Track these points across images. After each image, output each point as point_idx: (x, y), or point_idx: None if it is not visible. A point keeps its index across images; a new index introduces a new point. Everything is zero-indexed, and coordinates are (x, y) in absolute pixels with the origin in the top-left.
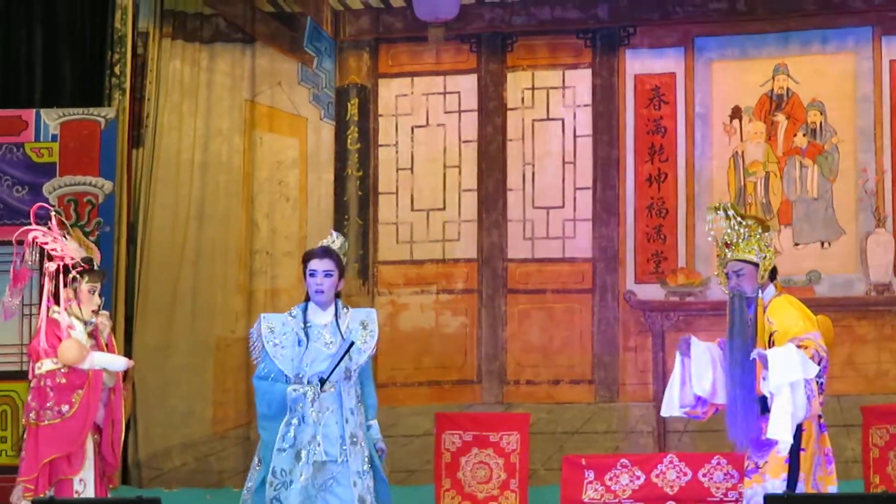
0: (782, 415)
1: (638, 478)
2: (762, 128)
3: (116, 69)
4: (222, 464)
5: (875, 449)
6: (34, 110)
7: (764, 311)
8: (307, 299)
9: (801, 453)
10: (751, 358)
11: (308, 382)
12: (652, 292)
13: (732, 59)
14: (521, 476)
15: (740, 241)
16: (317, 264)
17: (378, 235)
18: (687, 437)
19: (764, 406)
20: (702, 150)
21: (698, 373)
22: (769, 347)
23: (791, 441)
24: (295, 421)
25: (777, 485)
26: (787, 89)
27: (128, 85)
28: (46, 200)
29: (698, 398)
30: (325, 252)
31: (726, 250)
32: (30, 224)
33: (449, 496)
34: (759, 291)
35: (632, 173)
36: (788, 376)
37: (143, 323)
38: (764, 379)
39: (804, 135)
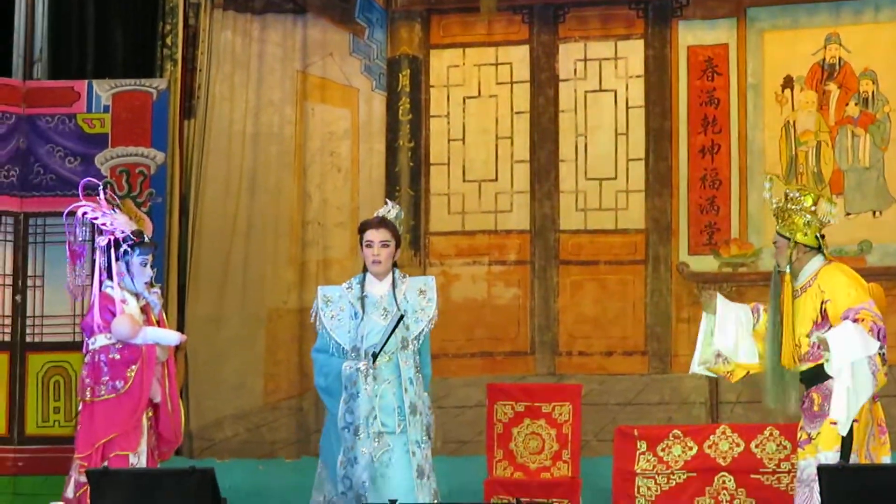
0: (844, 396)
1: (690, 448)
2: (814, 97)
3: (168, 40)
4: (274, 434)
5: None
6: (86, 81)
7: (796, 285)
8: (364, 270)
9: (854, 424)
10: (812, 341)
11: (364, 356)
12: (705, 263)
13: (784, 28)
14: (574, 447)
15: (784, 214)
16: (373, 235)
17: (430, 206)
18: (739, 408)
19: (811, 377)
20: (754, 120)
21: (721, 328)
22: (822, 317)
23: (849, 424)
24: (351, 398)
25: (830, 456)
26: (839, 58)
27: (179, 56)
28: (98, 171)
29: (718, 354)
30: (382, 222)
31: (778, 222)
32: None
33: (501, 466)
34: (788, 267)
35: (685, 145)
36: (850, 356)
37: (196, 294)
38: (827, 362)
39: (856, 104)
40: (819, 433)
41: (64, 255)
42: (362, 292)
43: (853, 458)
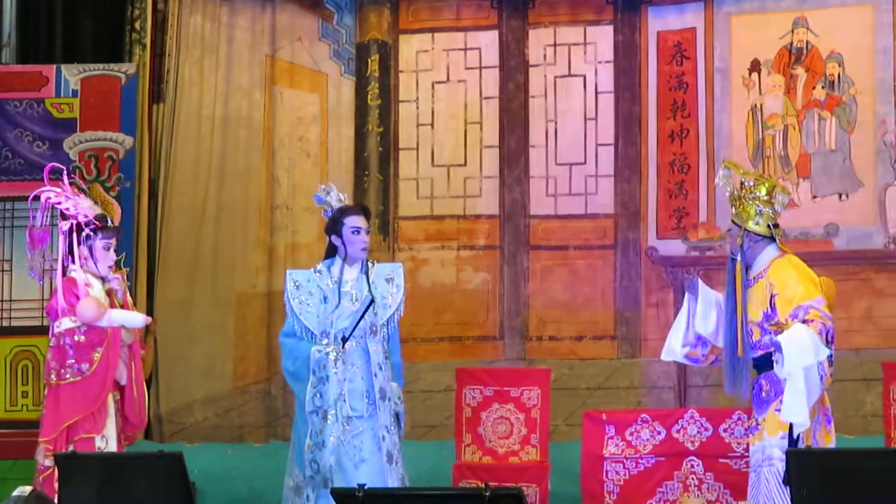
0: (797, 398)
1: (659, 433)
2: (781, 81)
3: (137, 25)
4: (243, 419)
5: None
6: (54, 66)
7: (748, 274)
8: (330, 255)
9: None
10: (763, 343)
11: (333, 340)
12: (674, 248)
13: (751, 12)
14: (542, 431)
15: (738, 202)
16: (360, 222)
17: (399, 191)
18: (707, 392)
19: (760, 364)
20: (721, 104)
21: (704, 311)
22: (771, 310)
23: (808, 424)
24: (320, 382)
25: (774, 442)
26: (807, 42)
27: (148, 41)
28: (67, 156)
29: (699, 338)
30: (363, 209)
31: (732, 210)
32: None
33: (470, 451)
34: (740, 255)
35: (654, 129)
36: (801, 362)
37: (165, 278)
38: (777, 363)
39: (823, 87)
40: (764, 419)
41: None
42: (340, 276)
43: (799, 446)
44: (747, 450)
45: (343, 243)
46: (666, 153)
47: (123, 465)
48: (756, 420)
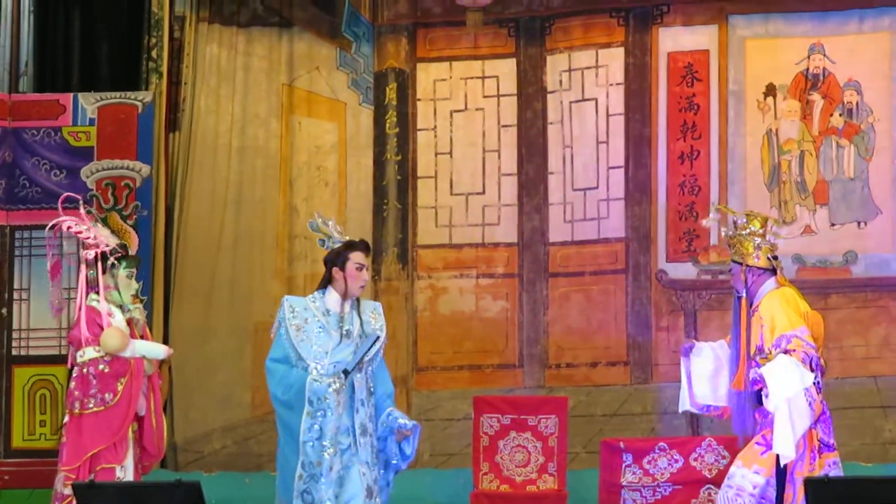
0: (784, 429)
1: (676, 461)
2: (797, 106)
3: (153, 53)
4: (261, 447)
5: None
6: (72, 94)
7: (750, 308)
8: (324, 286)
9: None
10: (751, 378)
11: (331, 373)
12: (684, 271)
13: (766, 36)
14: (560, 459)
15: (734, 241)
16: (364, 259)
17: (417, 219)
18: (720, 419)
19: (758, 398)
20: (735, 127)
21: (698, 382)
22: (761, 342)
23: (793, 455)
24: (319, 413)
25: (747, 475)
26: (823, 69)
27: (165, 69)
28: (84, 184)
29: (706, 407)
30: (368, 246)
31: (730, 250)
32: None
33: (487, 479)
34: (745, 291)
35: (664, 151)
36: (786, 392)
37: (181, 307)
38: (765, 396)
39: (840, 115)
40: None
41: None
42: (341, 310)
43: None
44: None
45: (344, 278)
46: (676, 174)
47: (142, 493)
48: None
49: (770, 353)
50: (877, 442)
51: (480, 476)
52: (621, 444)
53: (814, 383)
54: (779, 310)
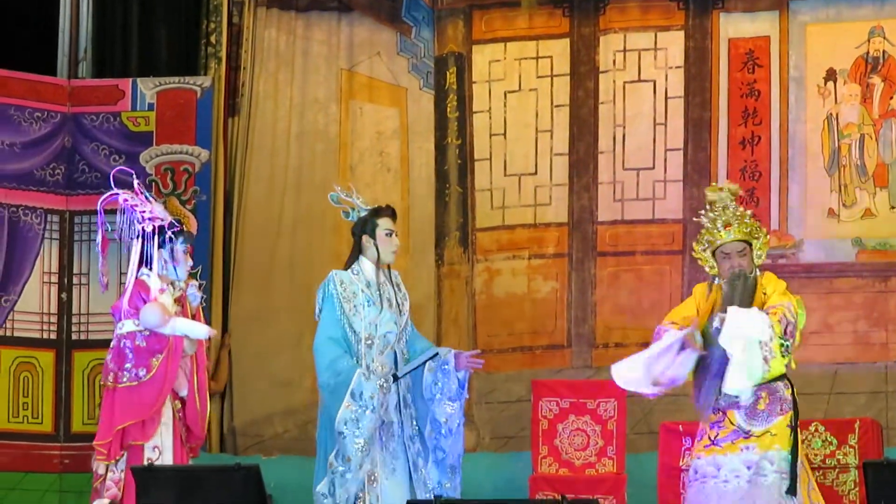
0: (736, 367)
1: None
2: (857, 90)
3: (212, 38)
4: None
5: None
6: (130, 80)
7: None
8: (356, 257)
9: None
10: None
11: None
12: None
13: (827, 21)
14: (619, 443)
15: (738, 222)
16: (392, 224)
17: (475, 203)
18: None
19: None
20: (796, 113)
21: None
22: None
23: (748, 391)
24: (360, 409)
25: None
26: (884, 52)
27: (223, 54)
28: (143, 169)
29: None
30: (395, 212)
31: (723, 231)
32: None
33: (546, 463)
34: (757, 271)
35: (724, 136)
36: (743, 333)
37: (240, 291)
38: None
39: None
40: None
41: (112, 253)
42: (377, 279)
43: None
44: (824, 461)
45: (375, 245)
46: (737, 160)
47: (200, 477)
48: (748, 431)
49: None
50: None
51: (539, 459)
52: (680, 427)
53: (782, 343)
54: (780, 287)
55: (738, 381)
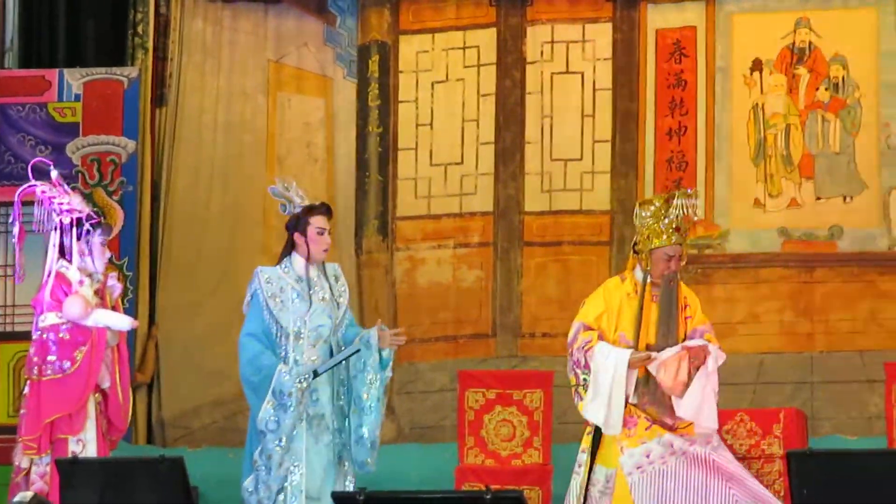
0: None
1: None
2: (783, 80)
3: (139, 28)
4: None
5: None
6: (57, 70)
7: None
8: (287, 252)
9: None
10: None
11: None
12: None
13: (753, 11)
14: (545, 433)
15: (685, 228)
16: (325, 223)
17: (397, 191)
18: None
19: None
20: (722, 103)
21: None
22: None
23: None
24: (280, 407)
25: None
26: (809, 43)
27: (150, 45)
28: (70, 160)
29: None
30: (329, 209)
31: (675, 234)
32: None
33: (472, 454)
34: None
35: (651, 127)
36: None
37: (167, 282)
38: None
39: (826, 89)
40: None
41: (37, 245)
42: (307, 275)
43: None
44: (749, 451)
45: (306, 242)
46: (664, 150)
47: (124, 469)
48: (672, 425)
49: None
50: (862, 416)
51: (465, 450)
52: None
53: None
54: (698, 303)
55: (712, 422)
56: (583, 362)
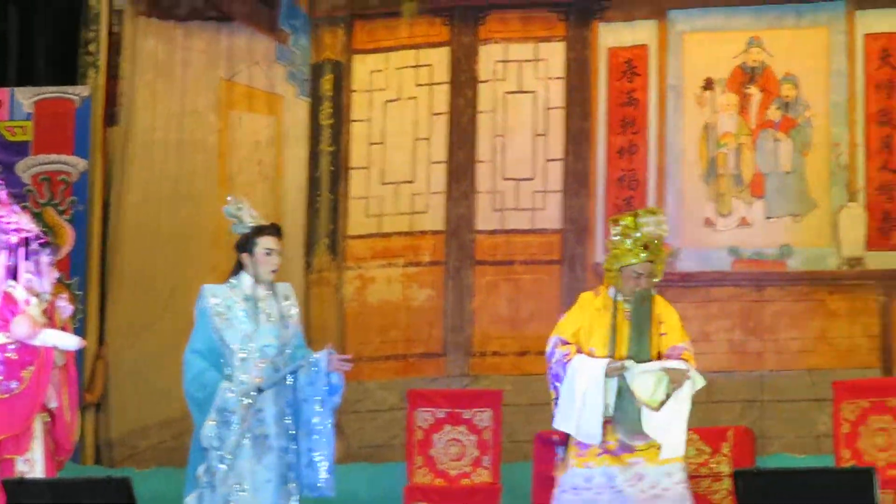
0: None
1: None
2: (735, 100)
3: (91, 47)
4: None
5: (846, 424)
6: (8, 89)
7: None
8: (236, 272)
9: None
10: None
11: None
12: None
13: (705, 31)
14: (494, 453)
15: (655, 246)
16: (274, 243)
17: (348, 210)
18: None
19: None
20: (673, 121)
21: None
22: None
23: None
24: (224, 424)
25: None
26: (761, 62)
27: (103, 63)
28: (20, 180)
29: None
30: (279, 230)
31: (643, 252)
32: None
33: (421, 473)
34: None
35: (603, 145)
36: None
37: (117, 302)
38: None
39: (777, 108)
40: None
41: None
42: (254, 294)
43: None
44: (697, 470)
45: (253, 263)
46: (615, 169)
47: (71, 490)
48: (631, 446)
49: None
50: (811, 434)
51: (414, 470)
52: (555, 437)
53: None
54: (676, 318)
55: (679, 450)
56: (562, 375)
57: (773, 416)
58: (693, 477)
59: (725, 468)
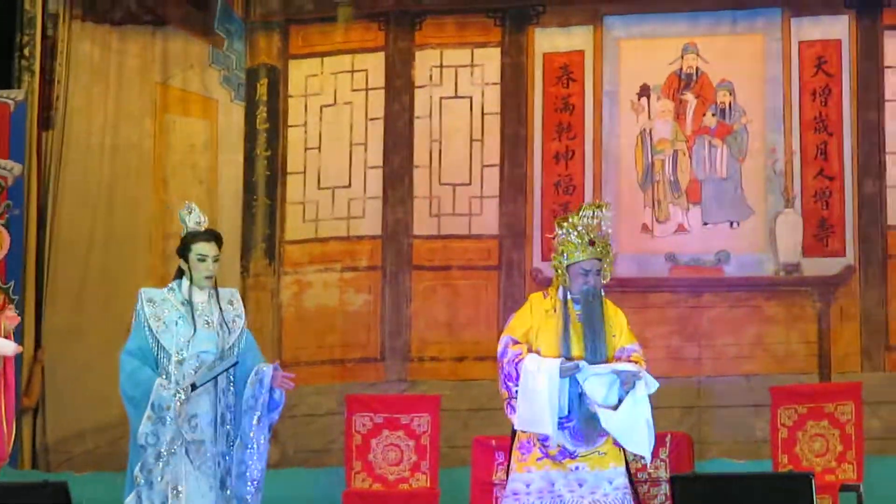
0: (643, 439)
1: None
2: (670, 106)
3: (26, 51)
4: None
5: (783, 429)
6: None
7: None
8: (178, 277)
9: None
10: (640, 376)
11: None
12: None
13: (641, 37)
14: (432, 458)
15: (601, 242)
16: (208, 249)
17: (285, 215)
18: None
19: None
20: (610, 127)
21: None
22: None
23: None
24: (159, 420)
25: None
26: (697, 69)
27: (37, 67)
28: None
29: None
30: (214, 236)
31: (590, 247)
32: None
33: (360, 478)
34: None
35: (539, 151)
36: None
37: (53, 306)
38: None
39: (713, 115)
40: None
41: None
42: (190, 299)
43: None
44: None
45: (189, 268)
46: (551, 174)
47: (7, 494)
48: (573, 452)
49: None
50: (749, 440)
51: (353, 475)
52: (493, 442)
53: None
54: (624, 322)
55: (643, 449)
56: (514, 375)
57: (712, 422)
58: (631, 482)
59: (663, 473)
